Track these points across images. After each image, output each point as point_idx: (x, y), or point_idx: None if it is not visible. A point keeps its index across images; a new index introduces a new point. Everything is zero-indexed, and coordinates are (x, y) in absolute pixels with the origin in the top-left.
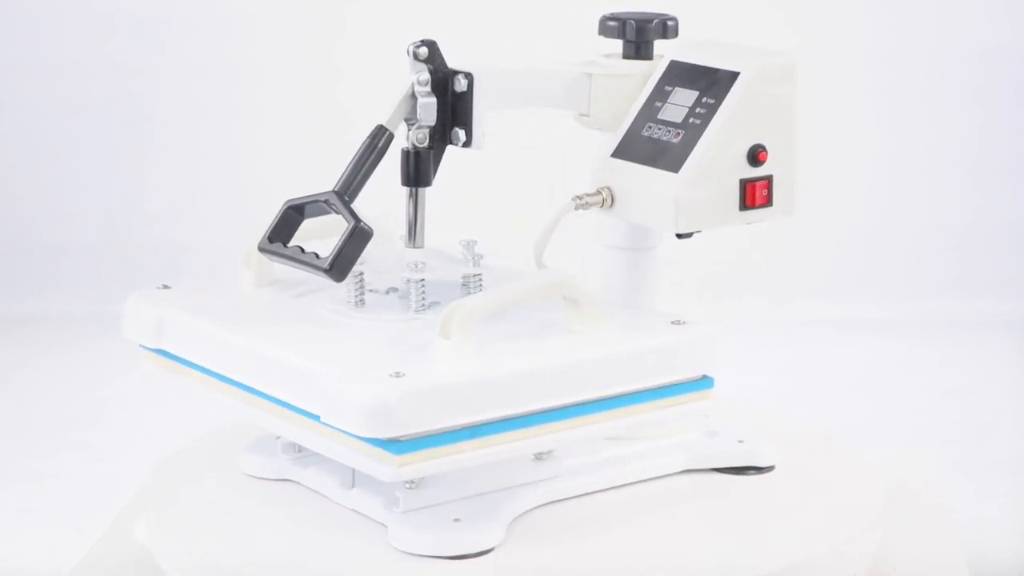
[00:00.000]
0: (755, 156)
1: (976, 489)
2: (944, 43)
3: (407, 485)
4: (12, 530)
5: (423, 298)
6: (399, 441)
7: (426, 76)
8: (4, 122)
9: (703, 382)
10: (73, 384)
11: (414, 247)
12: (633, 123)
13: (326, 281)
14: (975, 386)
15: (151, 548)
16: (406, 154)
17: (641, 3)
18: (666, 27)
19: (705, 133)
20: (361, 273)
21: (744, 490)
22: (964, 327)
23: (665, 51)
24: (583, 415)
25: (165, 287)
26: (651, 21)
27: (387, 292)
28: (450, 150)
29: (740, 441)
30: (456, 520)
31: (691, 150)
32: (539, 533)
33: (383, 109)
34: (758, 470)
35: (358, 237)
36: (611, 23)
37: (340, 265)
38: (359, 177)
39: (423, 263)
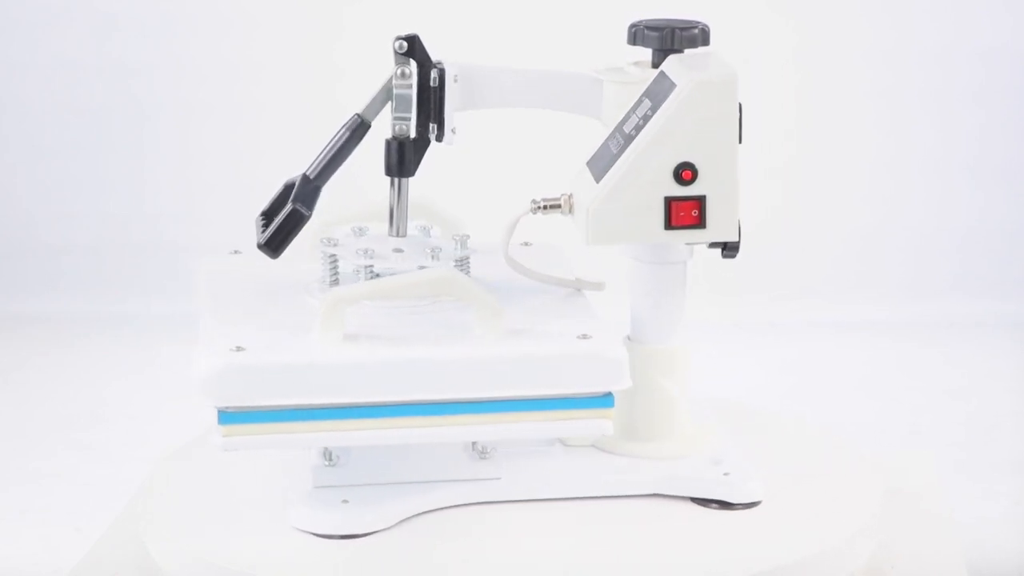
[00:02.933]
0: (680, 174)
1: (978, 490)
2: (945, 44)
3: (324, 463)
4: (12, 530)
5: (336, 277)
6: (227, 412)
7: (405, 69)
8: (4, 122)
9: (600, 400)
10: (73, 384)
11: (396, 235)
12: (611, 132)
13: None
14: (977, 387)
15: (151, 548)
16: (388, 144)
17: (690, 9)
18: (675, 36)
19: (631, 146)
20: (334, 255)
21: None
22: (966, 327)
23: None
24: (441, 415)
25: (236, 252)
26: (661, 29)
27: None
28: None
29: (726, 473)
30: (344, 501)
31: (615, 162)
32: (452, 529)
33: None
34: (729, 506)
35: (291, 219)
36: (634, 30)
37: (272, 242)
38: (328, 162)
39: (372, 249)
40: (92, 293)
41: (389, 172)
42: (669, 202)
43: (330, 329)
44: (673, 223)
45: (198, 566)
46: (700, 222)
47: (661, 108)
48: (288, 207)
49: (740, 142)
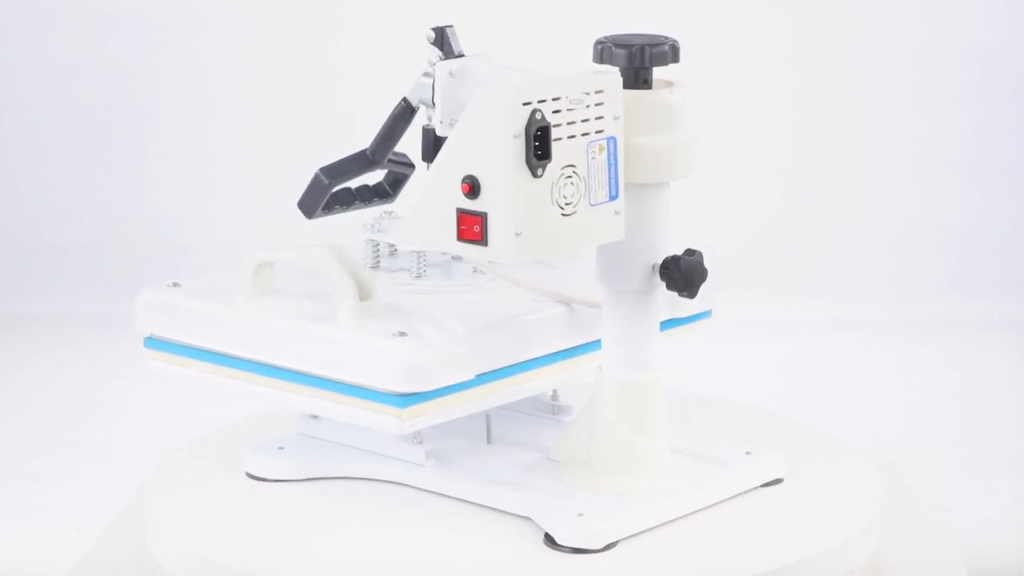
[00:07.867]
0: (461, 186)
1: (975, 489)
2: (942, 42)
3: (310, 415)
4: (12, 530)
5: (377, 259)
6: (152, 338)
7: (433, 59)
8: (4, 122)
9: (392, 398)
10: (73, 384)
11: None
12: None
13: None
14: (973, 386)
15: (151, 548)
16: (424, 130)
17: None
18: (609, 53)
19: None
20: (376, 243)
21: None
22: (962, 326)
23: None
24: (277, 379)
25: (390, 213)
26: (601, 44)
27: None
28: None
29: (580, 515)
30: (280, 448)
31: None
32: (373, 504)
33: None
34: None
35: (315, 184)
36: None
37: (302, 205)
38: (380, 140)
39: (376, 225)
40: (92, 293)
41: (424, 158)
42: (459, 214)
43: (241, 287)
44: (461, 236)
45: (198, 566)
46: (482, 238)
47: (462, 117)
48: (315, 173)
49: (544, 162)
